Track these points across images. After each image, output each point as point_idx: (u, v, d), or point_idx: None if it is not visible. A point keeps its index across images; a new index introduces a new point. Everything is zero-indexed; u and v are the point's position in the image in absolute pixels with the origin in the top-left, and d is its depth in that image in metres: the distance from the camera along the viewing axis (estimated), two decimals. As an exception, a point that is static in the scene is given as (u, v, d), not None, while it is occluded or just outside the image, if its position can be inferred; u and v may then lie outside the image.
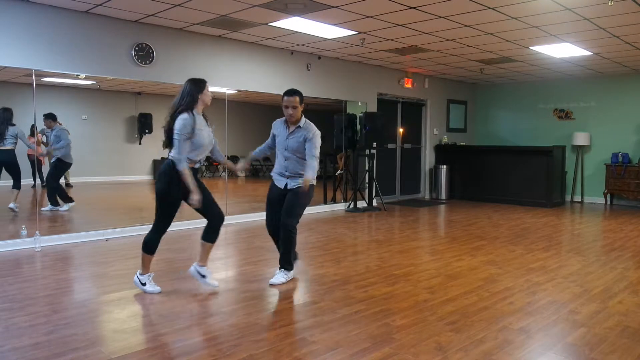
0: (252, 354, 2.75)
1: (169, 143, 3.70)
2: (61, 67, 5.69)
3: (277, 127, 4.22)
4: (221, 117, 7.47)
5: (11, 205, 6.51)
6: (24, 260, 4.89)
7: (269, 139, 4.33)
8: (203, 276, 3.90)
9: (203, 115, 3.77)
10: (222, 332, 3.08)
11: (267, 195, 4.31)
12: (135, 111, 8.80)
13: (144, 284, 3.82)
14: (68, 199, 7.01)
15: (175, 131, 3.56)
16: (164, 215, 3.72)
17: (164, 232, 3.79)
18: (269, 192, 4.31)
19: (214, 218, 3.85)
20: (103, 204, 7.20)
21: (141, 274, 3.84)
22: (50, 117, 6.82)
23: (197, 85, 3.69)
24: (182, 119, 3.57)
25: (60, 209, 6.96)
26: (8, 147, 6.32)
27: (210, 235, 3.86)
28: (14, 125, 6.30)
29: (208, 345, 2.89)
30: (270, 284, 4.10)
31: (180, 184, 3.60)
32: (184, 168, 3.56)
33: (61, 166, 6.91)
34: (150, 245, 3.76)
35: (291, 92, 4.04)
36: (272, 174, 4.31)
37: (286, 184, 4.14)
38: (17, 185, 6.43)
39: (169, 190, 3.64)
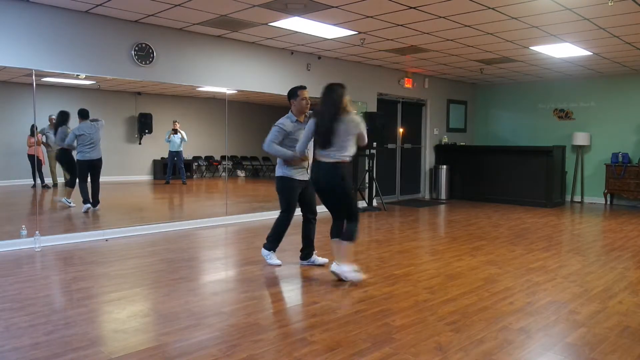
0: (252, 354, 2.75)
1: (326, 143, 4.01)
2: (61, 67, 5.69)
3: (291, 127, 4.48)
4: (221, 117, 7.47)
5: (63, 199, 7.29)
6: (24, 260, 4.89)
7: (282, 138, 4.47)
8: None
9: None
10: (222, 332, 3.08)
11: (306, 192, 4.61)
12: (135, 111, 8.81)
13: (358, 270, 4.21)
14: (86, 201, 7.09)
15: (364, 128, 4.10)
16: (351, 199, 4.16)
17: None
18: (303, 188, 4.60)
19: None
20: (103, 204, 7.21)
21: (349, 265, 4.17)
22: (78, 114, 7.03)
23: (336, 90, 4.23)
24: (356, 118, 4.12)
25: (69, 203, 7.22)
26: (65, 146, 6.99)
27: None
28: (67, 127, 6.92)
29: (208, 345, 2.88)
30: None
31: (348, 175, 4.07)
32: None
33: (78, 165, 7.09)
34: (354, 233, 4.12)
35: (304, 87, 4.61)
36: (290, 173, 4.49)
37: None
38: (72, 181, 7.14)
39: (345, 180, 4.02)
